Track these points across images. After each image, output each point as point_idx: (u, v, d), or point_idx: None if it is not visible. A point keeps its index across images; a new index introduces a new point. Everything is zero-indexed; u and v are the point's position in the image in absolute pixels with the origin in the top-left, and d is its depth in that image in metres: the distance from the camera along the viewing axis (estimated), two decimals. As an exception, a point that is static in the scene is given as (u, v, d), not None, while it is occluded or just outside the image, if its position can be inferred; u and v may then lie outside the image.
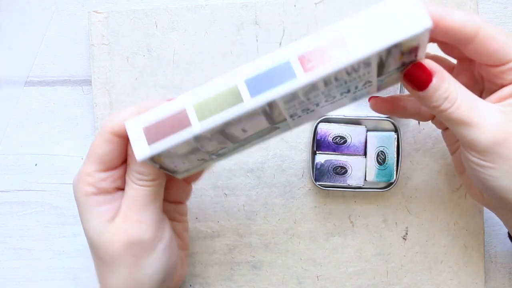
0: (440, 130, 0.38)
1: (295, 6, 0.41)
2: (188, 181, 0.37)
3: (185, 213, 0.38)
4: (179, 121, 0.28)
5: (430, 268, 0.42)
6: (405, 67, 0.30)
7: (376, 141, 0.40)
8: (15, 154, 0.44)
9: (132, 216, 0.32)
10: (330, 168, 0.40)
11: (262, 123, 0.29)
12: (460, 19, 0.29)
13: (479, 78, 0.33)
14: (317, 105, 0.30)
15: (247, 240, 0.42)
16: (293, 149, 0.42)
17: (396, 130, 0.40)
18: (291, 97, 0.27)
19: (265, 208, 0.42)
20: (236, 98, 0.27)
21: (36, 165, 0.44)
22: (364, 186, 0.41)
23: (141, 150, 0.28)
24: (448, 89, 0.29)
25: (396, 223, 0.42)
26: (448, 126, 0.31)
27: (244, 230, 0.42)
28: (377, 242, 0.42)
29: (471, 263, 0.42)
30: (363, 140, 0.40)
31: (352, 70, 0.27)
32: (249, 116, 0.28)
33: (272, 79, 0.26)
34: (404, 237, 0.42)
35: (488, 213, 0.42)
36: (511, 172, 0.29)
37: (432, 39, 0.31)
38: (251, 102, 0.27)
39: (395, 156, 0.40)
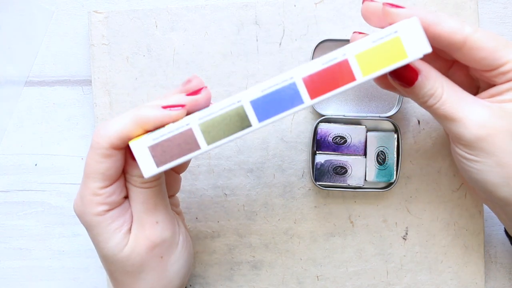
0: (442, 129, 0.38)
1: (295, 6, 0.41)
2: (178, 171, 0.37)
3: (178, 204, 0.38)
4: (187, 143, 0.29)
5: (430, 268, 0.42)
6: None
7: (376, 141, 0.40)
8: (15, 154, 0.44)
9: (147, 219, 0.32)
10: (330, 168, 0.40)
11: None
12: (449, 27, 0.30)
13: (474, 76, 0.34)
14: None
15: (247, 240, 0.42)
16: (293, 149, 0.42)
17: (396, 130, 0.40)
18: None
19: (265, 208, 0.42)
20: (244, 121, 0.29)
21: (36, 165, 0.44)
22: (364, 186, 0.41)
23: (149, 169, 0.29)
24: (434, 87, 0.30)
25: (396, 223, 0.42)
26: (436, 120, 0.32)
27: (244, 230, 0.42)
28: (377, 242, 0.42)
29: (471, 263, 0.42)
30: (363, 140, 0.40)
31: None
32: None
33: (278, 103, 0.28)
34: (404, 237, 0.42)
35: (488, 213, 0.42)
36: (495, 167, 0.30)
37: None
38: (258, 125, 0.29)
39: (395, 156, 0.40)
